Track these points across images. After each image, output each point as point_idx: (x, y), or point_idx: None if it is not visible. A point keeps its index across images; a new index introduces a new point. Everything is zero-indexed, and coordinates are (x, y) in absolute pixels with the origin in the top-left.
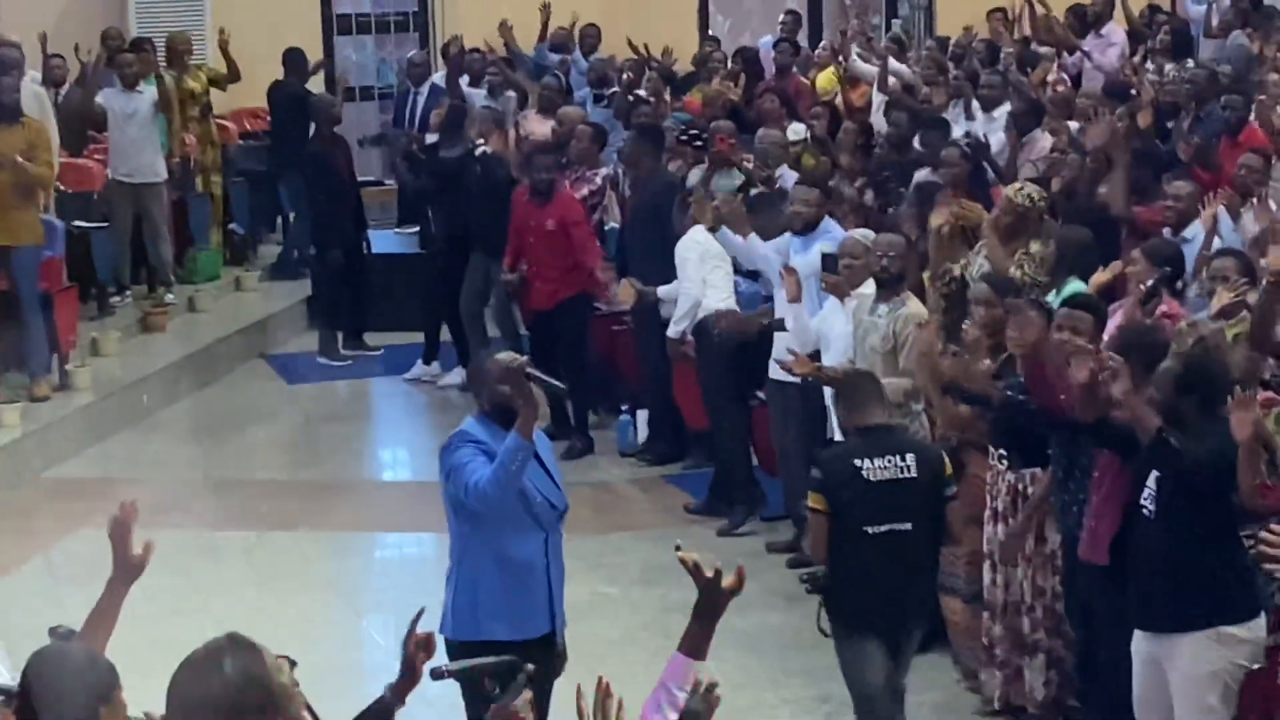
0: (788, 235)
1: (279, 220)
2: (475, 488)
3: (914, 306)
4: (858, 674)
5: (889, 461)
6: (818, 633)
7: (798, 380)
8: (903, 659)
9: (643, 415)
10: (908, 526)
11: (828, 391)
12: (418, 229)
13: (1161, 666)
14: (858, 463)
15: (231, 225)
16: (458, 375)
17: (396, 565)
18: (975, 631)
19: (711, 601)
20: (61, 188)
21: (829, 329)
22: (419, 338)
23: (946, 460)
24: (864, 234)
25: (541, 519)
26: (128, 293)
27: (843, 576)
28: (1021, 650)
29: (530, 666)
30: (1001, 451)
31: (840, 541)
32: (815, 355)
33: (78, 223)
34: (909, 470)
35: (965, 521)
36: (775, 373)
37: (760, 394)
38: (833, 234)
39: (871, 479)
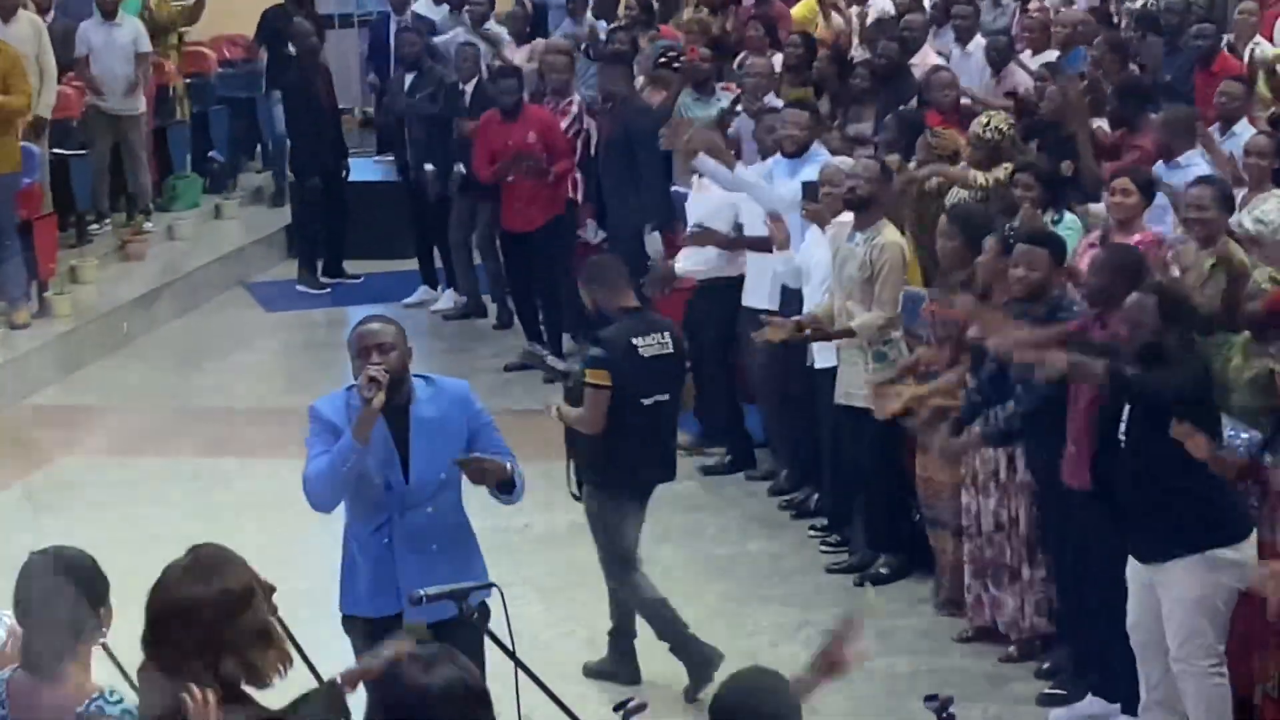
0: (769, 161)
1: (259, 148)
2: (305, 479)
3: (889, 234)
4: (619, 535)
5: (653, 339)
6: (799, 561)
7: (772, 308)
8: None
9: None
10: (668, 397)
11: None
12: (392, 157)
13: (1155, 591)
14: (634, 340)
15: (211, 153)
16: (448, 299)
17: None
18: (961, 563)
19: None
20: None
21: (809, 259)
22: (398, 265)
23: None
24: (843, 161)
25: (380, 501)
26: (107, 220)
27: (615, 446)
28: (999, 577)
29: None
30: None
31: (618, 413)
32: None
33: (56, 150)
34: (668, 346)
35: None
36: (748, 301)
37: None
38: (821, 159)
39: (645, 355)
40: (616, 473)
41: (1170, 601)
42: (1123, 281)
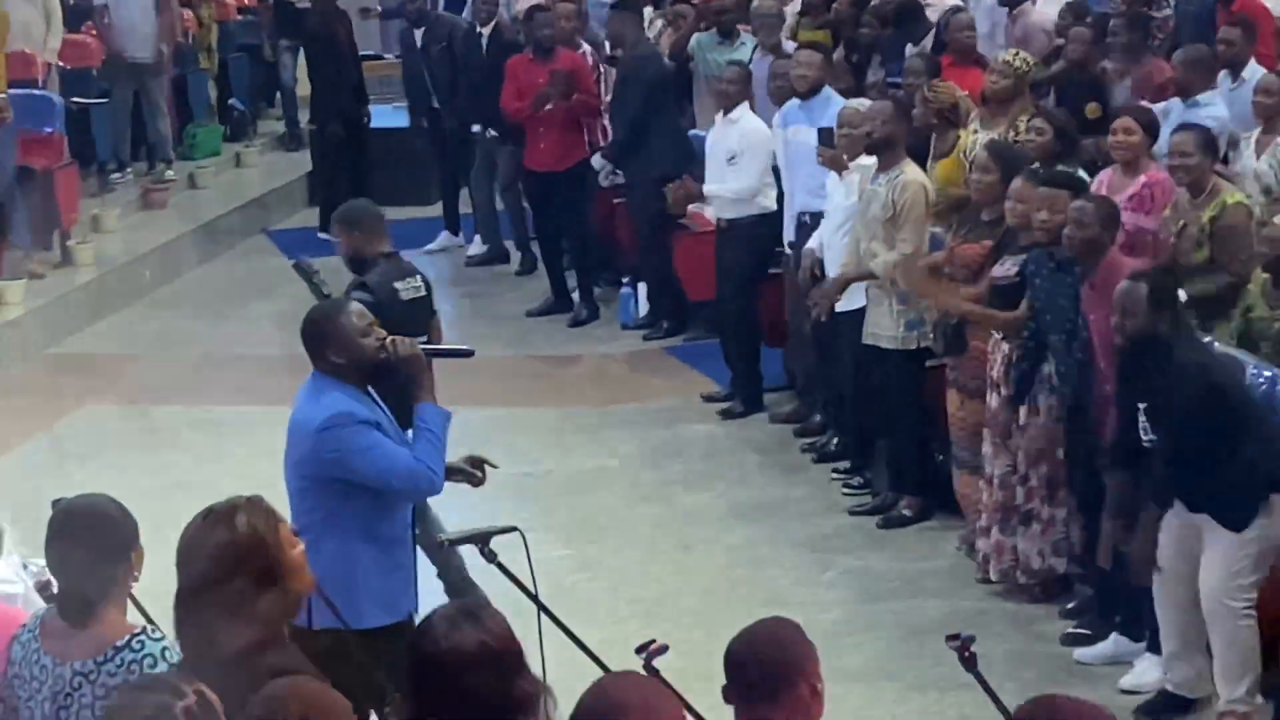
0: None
1: (277, 95)
2: (416, 473)
3: (911, 174)
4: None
5: (409, 283)
6: (821, 504)
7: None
8: None
9: (644, 288)
10: (424, 339)
11: (827, 261)
12: (407, 104)
13: (1195, 531)
14: (396, 284)
15: (231, 101)
16: (478, 245)
17: None
18: (966, 498)
19: None
20: (61, 64)
21: (828, 201)
22: (420, 212)
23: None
24: (859, 103)
25: (422, 489)
26: (128, 169)
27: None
28: (1016, 520)
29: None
30: None
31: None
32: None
33: (77, 99)
34: (421, 290)
35: (967, 394)
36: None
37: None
38: (834, 103)
39: (405, 298)
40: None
41: (1217, 542)
42: (1110, 234)
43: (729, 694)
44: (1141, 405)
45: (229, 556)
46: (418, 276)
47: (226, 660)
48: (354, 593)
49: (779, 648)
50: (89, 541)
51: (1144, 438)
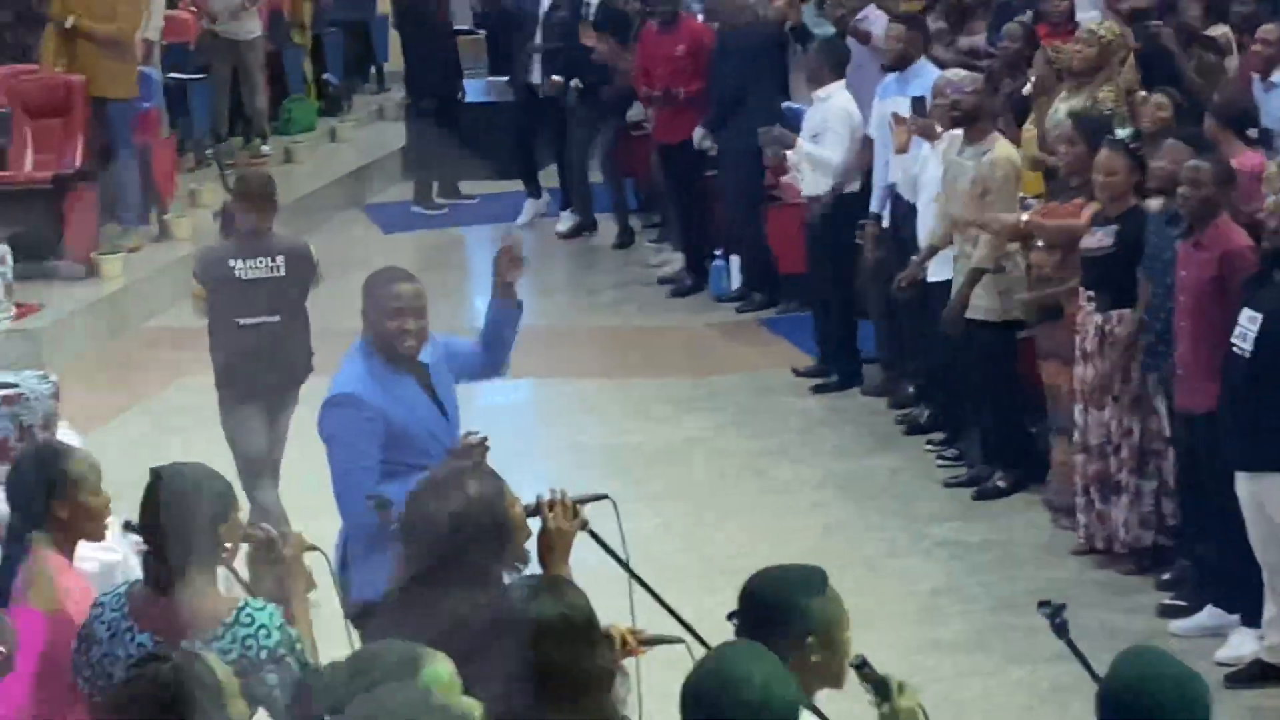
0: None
1: (372, 70)
2: (346, 496)
3: (1001, 149)
4: (242, 441)
5: (255, 263)
6: (915, 476)
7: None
8: (279, 430)
9: (736, 261)
10: (277, 319)
11: (920, 233)
12: (507, 77)
13: (1264, 506)
14: (233, 262)
15: (326, 76)
16: (567, 220)
17: (493, 411)
18: (1064, 468)
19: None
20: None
21: (923, 173)
22: (515, 186)
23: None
24: (955, 73)
25: (432, 457)
26: (224, 144)
27: (219, 359)
28: (1106, 492)
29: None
30: (1090, 293)
31: (217, 329)
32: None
33: (174, 75)
34: (279, 270)
35: (1059, 363)
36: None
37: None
38: (929, 73)
39: (241, 277)
40: (224, 379)
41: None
42: (1224, 195)
43: (738, 628)
44: (1256, 314)
45: (459, 523)
46: (279, 258)
47: (478, 628)
48: (357, 569)
49: (792, 592)
50: (182, 509)
51: (1236, 345)
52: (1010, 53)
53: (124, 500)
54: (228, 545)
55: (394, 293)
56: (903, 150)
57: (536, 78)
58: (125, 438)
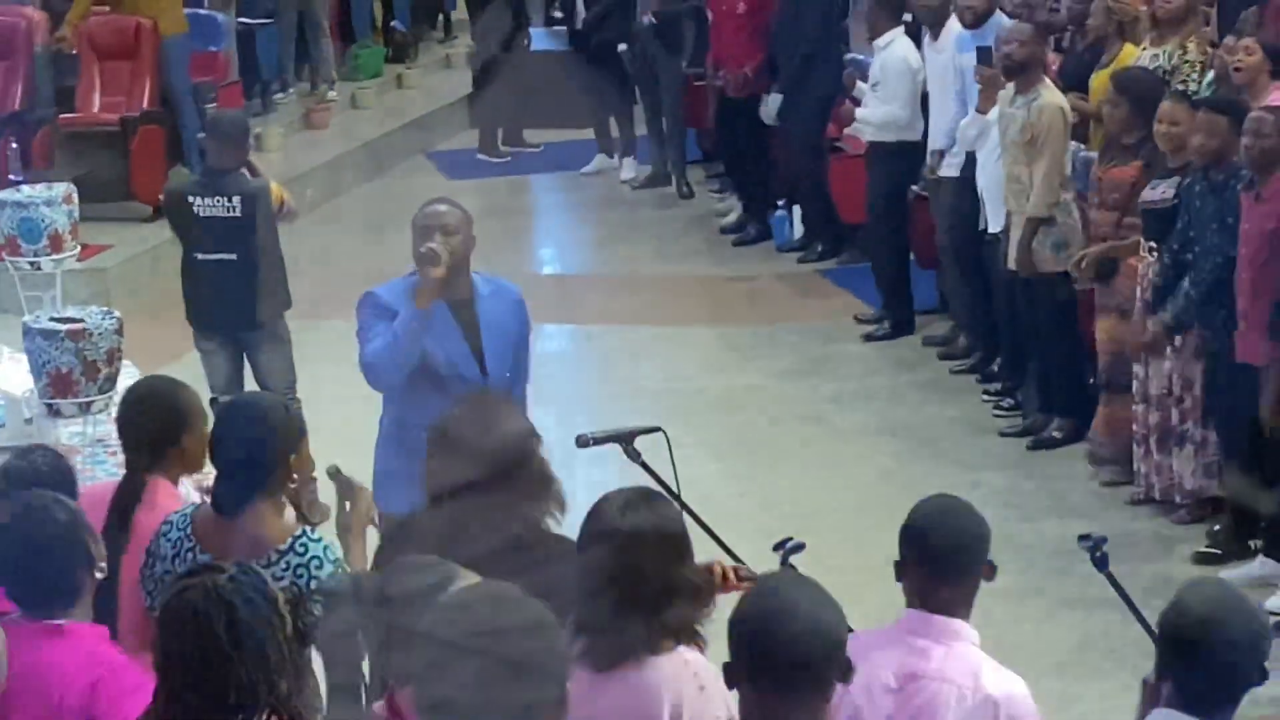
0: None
1: (440, 18)
2: (364, 357)
3: (1049, 96)
4: (207, 370)
5: (212, 200)
6: (972, 425)
7: (953, 175)
8: (261, 367)
9: (798, 210)
10: (233, 257)
11: (980, 184)
12: (565, 27)
13: None
14: (191, 198)
15: (394, 23)
16: (631, 168)
17: (556, 357)
18: (1115, 421)
19: None
20: None
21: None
22: (577, 135)
23: (275, 193)
24: (1012, 24)
25: (448, 387)
26: (291, 89)
27: (184, 289)
28: (1166, 443)
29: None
30: (1151, 244)
31: (183, 263)
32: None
33: (243, 19)
34: (235, 210)
35: (1115, 318)
36: (942, 170)
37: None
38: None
39: (199, 213)
40: (189, 312)
41: None
42: None
43: (908, 567)
44: None
45: (525, 446)
46: (235, 199)
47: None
48: (380, 480)
49: (957, 515)
50: (248, 436)
51: None
52: (1077, 10)
53: None
54: (295, 475)
55: (425, 212)
56: (985, 111)
57: (580, 24)
58: (188, 376)
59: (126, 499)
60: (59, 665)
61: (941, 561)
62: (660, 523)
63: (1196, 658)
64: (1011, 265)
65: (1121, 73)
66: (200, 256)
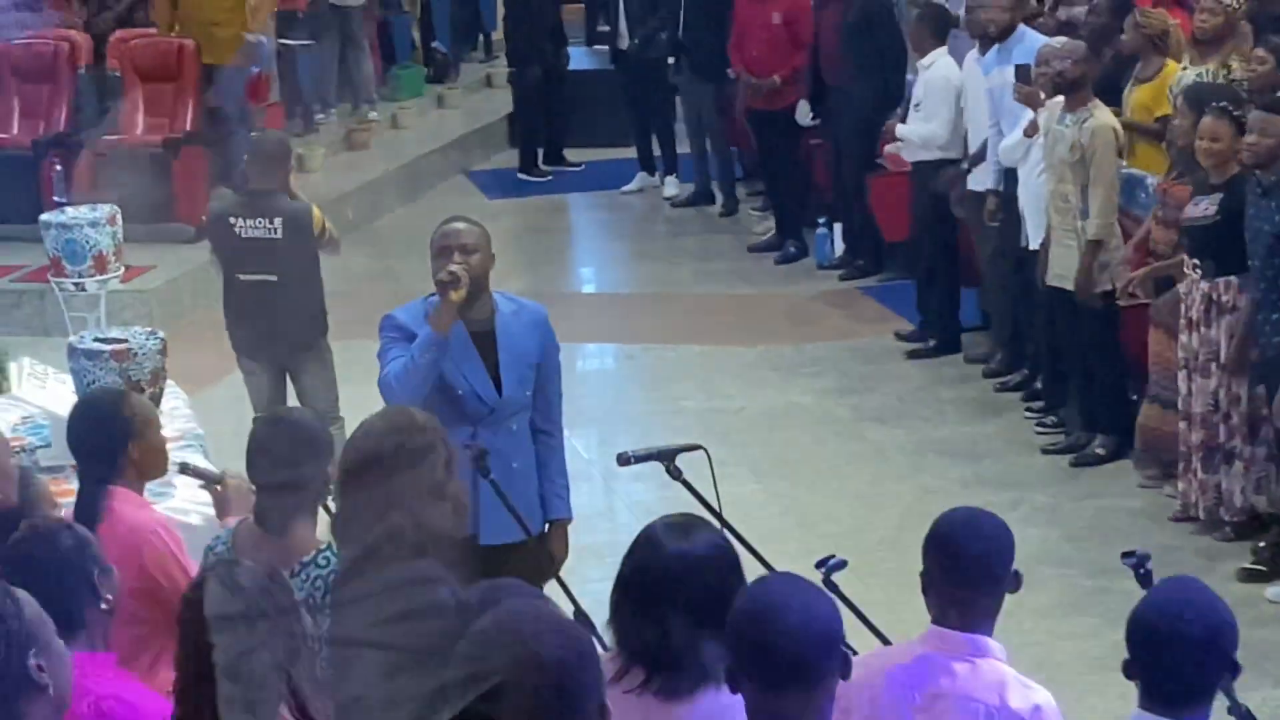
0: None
1: (480, 38)
2: (382, 379)
3: (1101, 116)
4: (250, 391)
5: (254, 222)
6: (1013, 443)
7: (985, 189)
8: (296, 385)
9: (839, 228)
10: (274, 278)
11: (1021, 201)
12: (608, 46)
13: None
14: (232, 219)
15: (434, 43)
16: (673, 185)
17: (596, 376)
18: (1164, 436)
19: None
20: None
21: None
22: (618, 153)
23: (316, 216)
24: (1059, 41)
25: (467, 412)
26: (332, 110)
27: (225, 309)
28: (1219, 458)
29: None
30: (1195, 261)
31: (225, 284)
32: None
33: (284, 41)
34: (275, 232)
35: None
36: (972, 184)
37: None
38: (1030, 39)
39: (240, 234)
40: (231, 334)
41: None
42: None
43: (932, 579)
44: None
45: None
46: (276, 220)
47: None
48: None
49: (983, 522)
50: (288, 452)
51: None
52: (1099, 24)
53: (226, 455)
54: (328, 491)
55: (442, 231)
56: (1032, 134)
57: (624, 44)
58: (230, 397)
59: (85, 513)
60: None
61: (965, 572)
62: (718, 542)
63: (1159, 655)
64: (1052, 282)
65: (1192, 88)
66: (242, 277)
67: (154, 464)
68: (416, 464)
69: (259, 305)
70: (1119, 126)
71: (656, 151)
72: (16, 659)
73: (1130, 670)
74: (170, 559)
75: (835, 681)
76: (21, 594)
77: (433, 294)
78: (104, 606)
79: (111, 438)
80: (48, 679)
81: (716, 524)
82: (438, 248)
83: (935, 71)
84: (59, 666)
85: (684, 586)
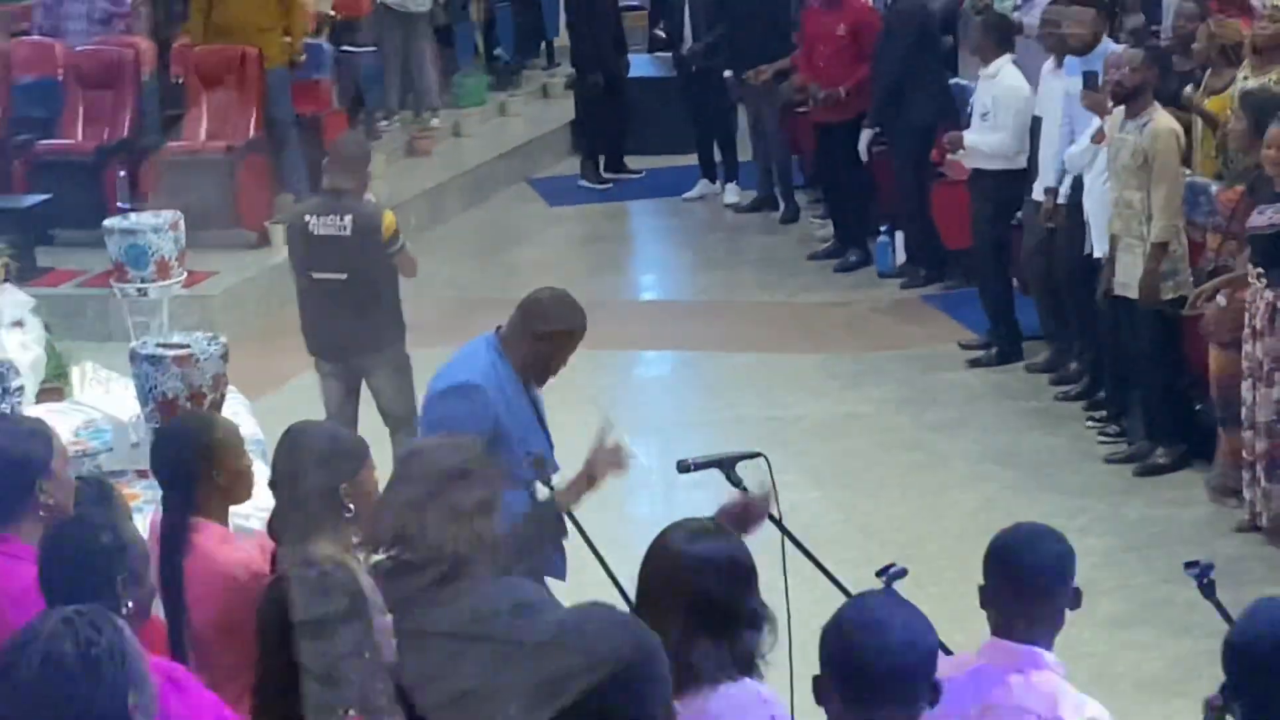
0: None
1: (542, 45)
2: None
3: (1162, 122)
4: (323, 394)
5: (326, 220)
6: (1076, 452)
7: (1054, 188)
8: (371, 390)
9: (900, 236)
10: (343, 277)
11: (1087, 208)
12: (670, 53)
13: None
14: (308, 217)
15: (497, 50)
16: (734, 193)
17: (655, 383)
18: (1236, 449)
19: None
20: (333, 13)
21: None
22: (678, 160)
23: (387, 220)
24: (1123, 50)
25: (511, 452)
26: (395, 117)
27: (299, 308)
28: (1274, 470)
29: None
30: (1260, 270)
31: (297, 282)
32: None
33: (346, 47)
34: (345, 230)
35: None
36: (1035, 193)
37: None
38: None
39: (315, 232)
40: (305, 335)
41: None
42: None
43: (991, 593)
44: None
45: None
46: (347, 218)
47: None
48: None
49: (1043, 539)
50: (308, 464)
51: None
52: (1185, 32)
53: None
54: (350, 505)
55: (577, 338)
56: (1101, 141)
57: (685, 51)
58: (292, 404)
59: (170, 543)
60: None
61: (1025, 588)
62: (729, 551)
63: (1268, 679)
64: (1116, 290)
65: (1251, 93)
66: (315, 276)
67: (240, 489)
68: (483, 481)
69: (329, 304)
70: (1180, 130)
71: (718, 158)
72: (119, 701)
73: (1231, 693)
74: (250, 599)
75: (923, 706)
76: (126, 629)
77: (494, 338)
78: (124, 612)
79: (195, 464)
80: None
81: (776, 530)
82: (566, 353)
83: (1003, 80)
84: (149, 704)
85: (682, 586)
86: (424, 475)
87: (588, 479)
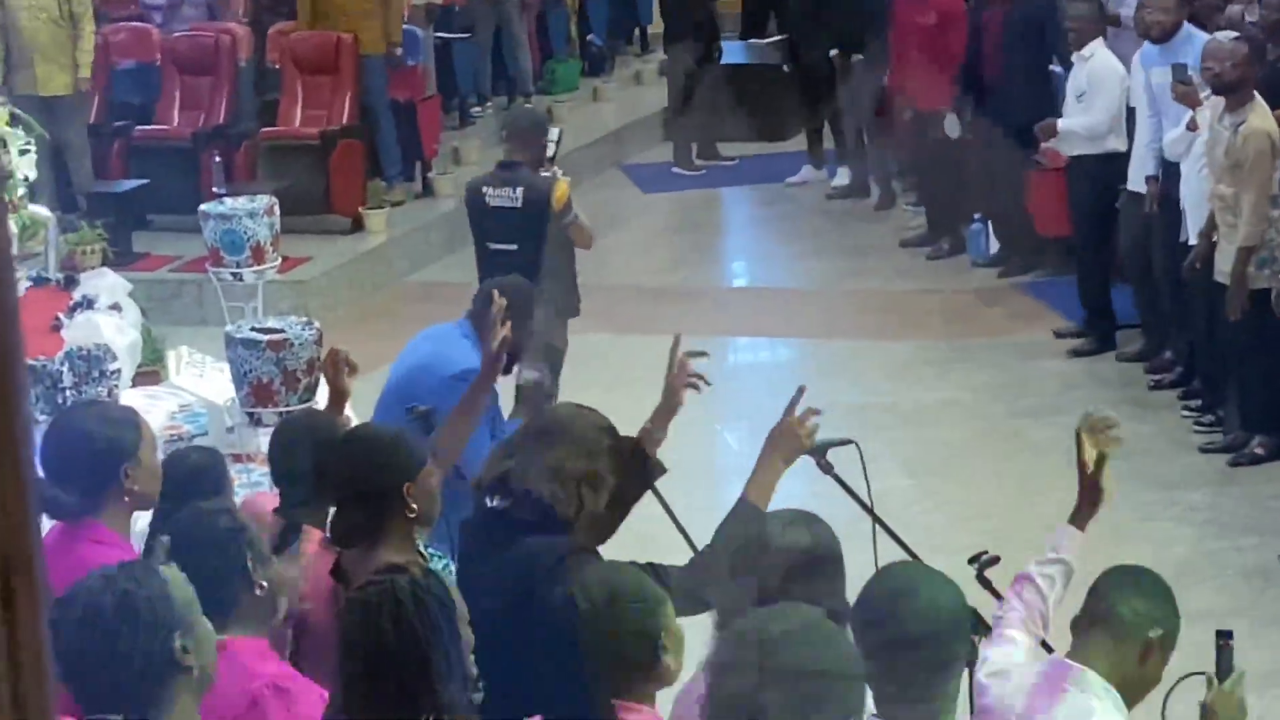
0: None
1: (635, 32)
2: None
3: (1256, 121)
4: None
5: (501, 192)
6: (1170, 441)
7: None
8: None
9: (993, 224)
10: (514, 247)
11: (1182, 195)
12: (772, 40)
13: None
14: (485, 188)
15: (590, 37)
16: (844, 176)
17: (748, 370)
18: None
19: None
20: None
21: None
22: (771, 148)
23: (558, 191)
24: (1226, 36)
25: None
26: (488, 103)
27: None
28: None
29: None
30: None
31: (476, 257)
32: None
33: (440, 34)
34: (516, 201)
35: None
36: (1131, 184)
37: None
38: (1196, 39)
39: (490, 203)
40: None
41: None
42: None
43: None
44: None
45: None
46: (518, 189)
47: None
48: None
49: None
50: (371, 468)
51: None
52: (1273, 19)
53: None
54: (414, 506)
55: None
56: (1195, 128)
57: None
58: (377, 390)
59: (284, 542)
60: (218, 681)
61: (1100, 620)
62: (809, 546)
63: None
64: (1216, 278)
65: None
66: (490, 246)
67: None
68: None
69: (502, 275)
70: (1275, 130)
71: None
72: (162, 640)
73: None
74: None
75: (959, 668)
76: (170, 573)
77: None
78: (258, 592)
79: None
80: (192, 660)
81: (868, 517)
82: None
83: (1097, 61)
84: (204, 648)
85: (776, 577)
86: (577, 440)
87: (667, 405)
